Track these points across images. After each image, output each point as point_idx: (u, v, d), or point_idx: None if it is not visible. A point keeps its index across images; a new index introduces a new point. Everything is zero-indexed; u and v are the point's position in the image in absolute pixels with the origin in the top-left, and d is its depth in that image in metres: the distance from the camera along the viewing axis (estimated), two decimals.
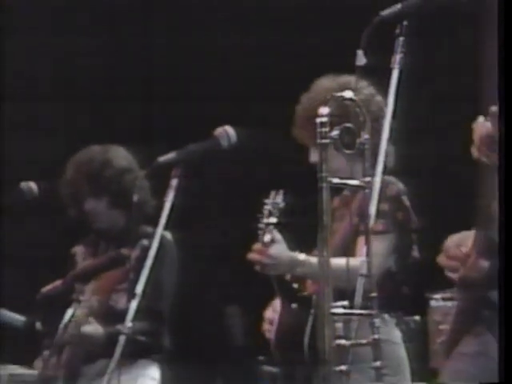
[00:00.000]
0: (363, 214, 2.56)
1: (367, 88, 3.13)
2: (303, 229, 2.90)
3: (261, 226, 3.21)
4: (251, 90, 5.64)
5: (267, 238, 3.18)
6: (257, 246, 3.17)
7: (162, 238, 3.70)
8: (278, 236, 3.18)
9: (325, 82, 3.22)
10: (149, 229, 3.80)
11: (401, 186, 3.22)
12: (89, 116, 6.10)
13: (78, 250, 4.07)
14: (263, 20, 5.89)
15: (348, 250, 3.01)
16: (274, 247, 3.17)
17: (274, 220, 3.20)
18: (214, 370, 4.66)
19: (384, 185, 2.87)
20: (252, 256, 3.15)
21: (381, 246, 3.11)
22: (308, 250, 3.17)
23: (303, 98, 3.26)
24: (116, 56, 5.95)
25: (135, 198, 3.67)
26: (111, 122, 5.77)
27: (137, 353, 3.72)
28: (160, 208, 3.47)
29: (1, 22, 5.53)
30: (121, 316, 3.34)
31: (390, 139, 2.76)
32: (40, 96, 6.06)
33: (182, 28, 5.90)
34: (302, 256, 3.16)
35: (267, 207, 3.21)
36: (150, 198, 3.95)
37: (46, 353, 3.80)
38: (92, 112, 6.09)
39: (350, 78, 3.00)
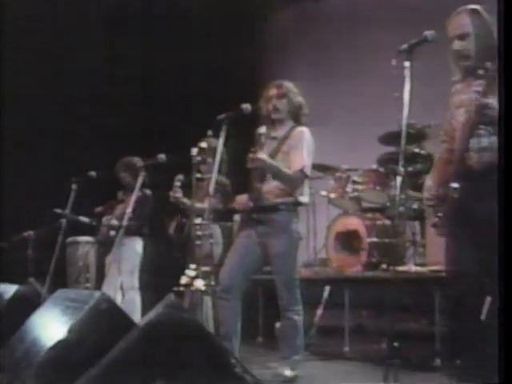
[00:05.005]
0: (209, 188, 4.33)
1: (213, 141, 4.77)
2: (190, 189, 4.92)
3: (174, 186, 5.44)
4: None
5: (175, 188, 5.45)
6: (171, 192, 5.43)
7: (146, 192, 6.01)
8: (179, 189, 5.37)
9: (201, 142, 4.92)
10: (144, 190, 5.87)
11: (225, 179, 5.45)
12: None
13: (120, 195, 6.21)
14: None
15: (206, 200, 4.60)
16: (177, 193, 5.41)
17: (178, 183, 5.41)
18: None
19: (220, 179, 5.00)
20: (171, 198, 5.46)
21: (219, 198, 5.34)
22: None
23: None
24: None
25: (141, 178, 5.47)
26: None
27: (131, 233, 5.84)
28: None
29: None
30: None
31: (223, 161, 4.88)
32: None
33: None
34: (185, 200, 5.38)
35: (176, 179, 5.44)
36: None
37: (101, 233, 6.20)
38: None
39: (208, 139, 4.81)
